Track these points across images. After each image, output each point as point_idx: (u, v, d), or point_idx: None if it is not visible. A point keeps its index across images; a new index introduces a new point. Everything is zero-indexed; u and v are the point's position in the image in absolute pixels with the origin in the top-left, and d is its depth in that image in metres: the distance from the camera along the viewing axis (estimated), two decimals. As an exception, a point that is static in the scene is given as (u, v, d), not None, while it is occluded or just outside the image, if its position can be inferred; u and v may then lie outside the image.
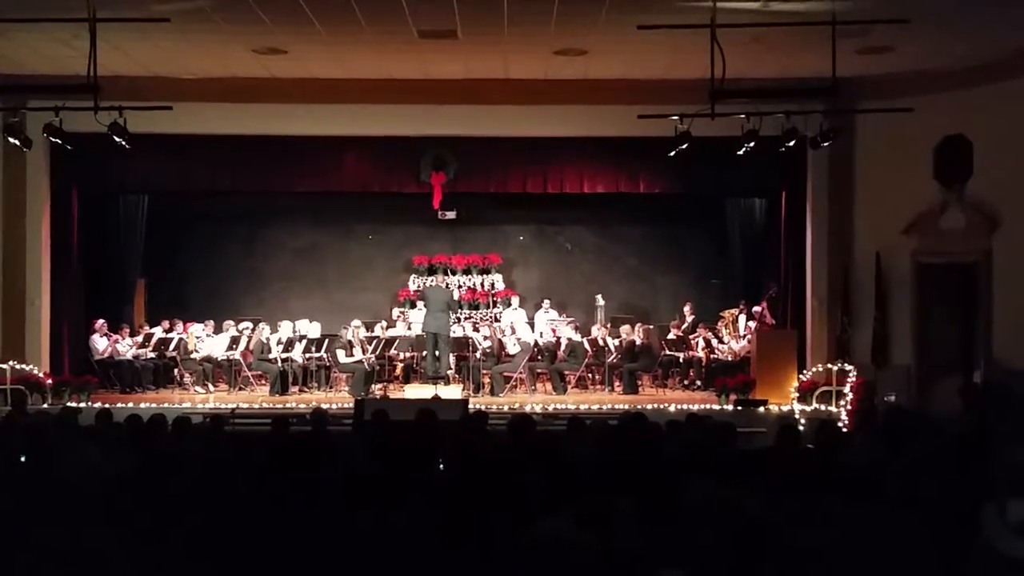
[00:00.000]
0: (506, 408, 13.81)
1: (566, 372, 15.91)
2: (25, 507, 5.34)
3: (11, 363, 14.56)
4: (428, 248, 18.71)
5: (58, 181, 15.61)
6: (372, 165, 16.34)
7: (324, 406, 12.75)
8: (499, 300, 18.11)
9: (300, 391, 16.00)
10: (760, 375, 14.88)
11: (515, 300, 17.79)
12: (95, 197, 16.64)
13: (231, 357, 15.97)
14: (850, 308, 15.12)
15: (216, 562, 4.57)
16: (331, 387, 16.08)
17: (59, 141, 12.21)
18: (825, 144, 12.77)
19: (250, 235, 19.10)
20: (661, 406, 14.18)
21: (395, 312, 17.50)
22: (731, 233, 18.08)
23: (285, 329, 16.28)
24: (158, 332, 16.44)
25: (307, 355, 16.02)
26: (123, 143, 11.84)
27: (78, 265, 16.13)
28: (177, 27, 11.46)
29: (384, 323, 17.00)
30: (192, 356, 16.16)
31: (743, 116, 11.81)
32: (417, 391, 15.00)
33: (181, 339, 16.29)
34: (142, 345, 16.20)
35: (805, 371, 14.97)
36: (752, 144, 12.06)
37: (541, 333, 16.74)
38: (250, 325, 16.51)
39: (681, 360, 16.47)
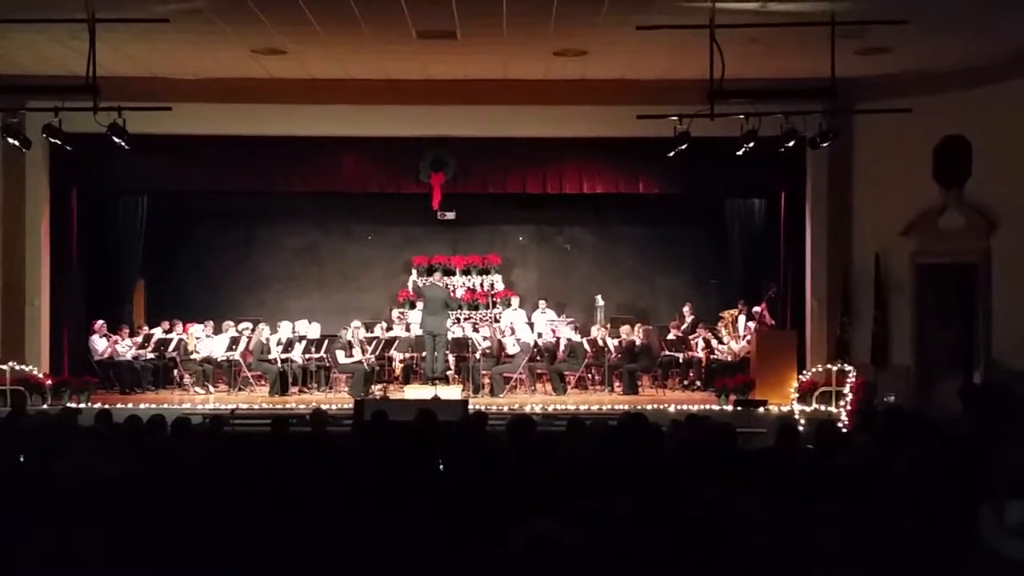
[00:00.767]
0: (506, 409, 13.81)
1: (566, 372, 15.91)
2: (25, 508, 5.34)
3: (11, 364, 14.55)
4: (427, 249, 18.71)
5: (57, 182, 15.60)
6: (371, 165, 16.33)
7: (324, 407, 12.77)
8: (498, 301, 18.11)
9: (300, 392, 16.00)
10: (760, 375, 14.88)
11: (515, 300, 17.79)
12: (94, 197, 16.63)
13: (231, 358, 15.97)
14: (849, 309, 15.12)
15: (216, 563, 4.57)
16: (331, 388, 16.08)
17: (58, 142, 12.19)
18: (824, 144, 12.77)
19: (249, 236, 19.10)
20: (661, 406, 14.17)
21: (395, 313, 17.50)
22: (730, 233, 18.08)
23: (285, 330, 16.28)
24: (158, 333, 16.44)
25: (307, 356, 16.01)
26: (122, 144, 11.83)
27: (77, 265, 16.12)
28: (176, 28, 11.46)
29: (384, 324, 17.00)
30: (192, 357, 16.16)
31: (742, 116, 11.81)
32: (417, 392, 14.99)
33: (181, 340, 16.29)
34: (142, 346, 16.19)
35: (805, 372, 14.97)
36: (751, 144, 12.06)
37: (540, 334, 16.74)
38: (250, 326, 16.50)
39: (681, 360, 16.47)
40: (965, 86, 13.93)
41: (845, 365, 14.48)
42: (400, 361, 16.58)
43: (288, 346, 15.95)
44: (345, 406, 13.99)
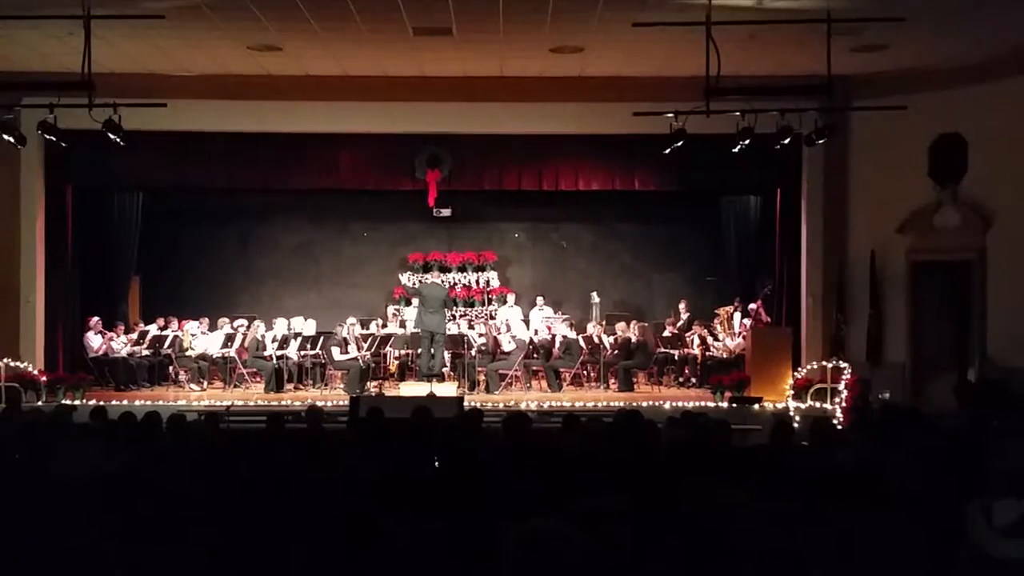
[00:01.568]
0: (501, 406, 13.80)
1: (561, 369, 15.92)
2: (19, 505, 5.33)
3: (5, 360, 14.54)
4: (423, 245, 18.70)
5: (52, 178, 15.58)
6: (367, 162, 16.32)
7: (319, 403, 12.81)
8: (494, 297, 18.11)
9: (295, 388, 16.00)
10: (755, 372, 14.91)
11: (510, 297, 17.79)
12: (90, 194, 16.61)
13: (226, 354, 15.96)
14: (845, 306, 15.14)
15: (211, 559, 4.57)
16: (326, 384, 16.07)
17: (53, 138, 12.17)
18: (820, 142, 12.77)
19: (245, 232, 19.08)
20: (656, 403, 14.19)
21: (390, 310, 17.48)
22: (726, 231, 18.08)
23: (280, 326, 16.26)
24: (153, 329, 16.43)
25: (302, 352, 16.01)
26: (118, 140, 11.81)
27: (73, 262, 16.09)
28: (172, 24, 11.45)
29: (379, 320, 17.00)
30: (187, 353, 16.15)
31: (738, 113, 11.81)
32: (412, 389, 14.99)
33: (176, 336, 16.28)
34: (137, 342, 16.18)
35: (800, 368, 14.99)
36: (747, 142, 12.05)
37: (536, 331, 16.75)
38: (245, 322, 16.50)
39: (676, 357, 16.48)
40: (961, 84, 13.95)
41: (840, 362, 14.51)
42: (395, 358, 16.58)
43: (283, 343, 15.94)
44: (340, 403, 14.00)
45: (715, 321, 16.79)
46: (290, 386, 15.97)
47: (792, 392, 14.61)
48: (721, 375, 15.18)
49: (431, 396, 13.59)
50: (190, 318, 16.76)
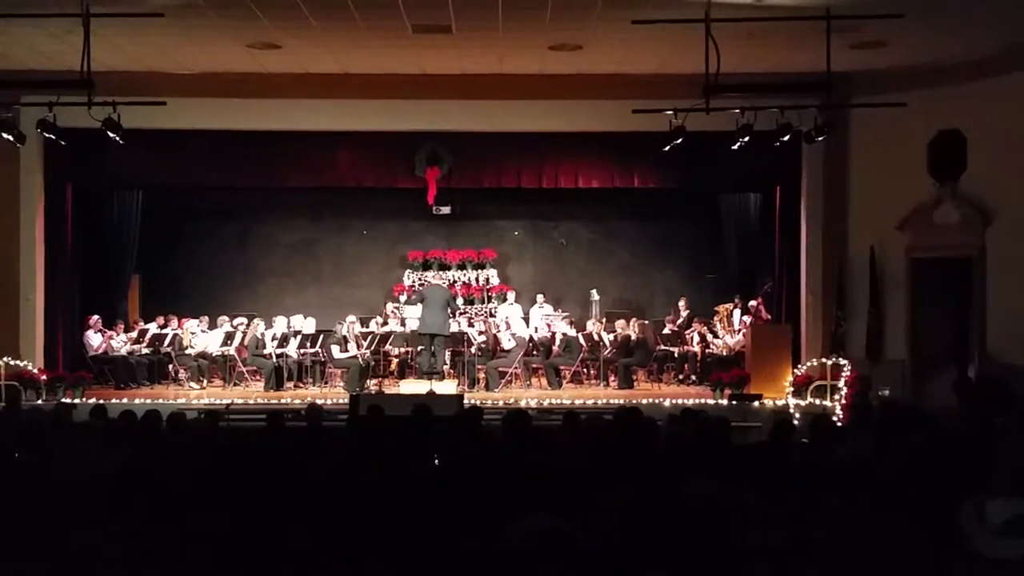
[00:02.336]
0: (501, 403, 13.81)
1: (561, 367, 15.92)
2: (19, 503, 5.33)
3: (5, 359, 14.55)
4: (423, 243, 18.70)
5: (52, 177, 15.56)
6: (367, 160, 16.31)
7: (319, 402, 12.82)
8: (494, 295, 18.11)
9: (295, 387, 16.00)
10: (755, 370, 14.91)
11: (510, 295, 17.78)
12: (89, 192, 16.60)
13: (226, 353, 15.96)
14: (844, 303, 15.14)
15: (211, 557, 4.57)
16: (326, 382, 16.08)
17: (53, 137, 12.16)
18: (819, 139, 12.78)
19: (244, 230, 19.08)
20: (656, 401, 14.21)
21: (388, 307, 17.46)
22: (726, 228, 18.08)
23: (280, 325, 16.27)
24: (152, 328, 16.43)
25: (302, 351, 16.01)
26: (117, 138, 11.81)
27: (72, 261, 16.07)
28: (171, 22, 11.43)
29: (379, 318, 17.00)
30: (187, 352, 16.15)
31: (737, 111, 11.82)
32: (412, 386, 15.00)
33: (176, 335, 16.28)
34: (136, 341, 16.18)
35: (800, 366, 15.00)
36: (746, 139, 12.06)
37: (536, 328, 16.76)
38: (245, 320, 16.49)
39: (676, 355, 16.49)
40: (960, 80, 13.94)
41: (840, 359, 14.51)
42: (395, 356, 16.58)
43: (283, 341, 15.95)
44: (340, 401, 14.02)
45: (715, 318, 16.79)
46: (290, 384, 15.97)
47: (792, 389, 14.61)
48: (721, 372, 15.18)
49: (431, 394, 13.60)
50: (190, 316, 16.77)
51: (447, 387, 14.91)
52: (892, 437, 6.73)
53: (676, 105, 11.76)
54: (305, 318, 16.73)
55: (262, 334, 15.94)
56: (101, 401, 12.69)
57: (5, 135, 12.34)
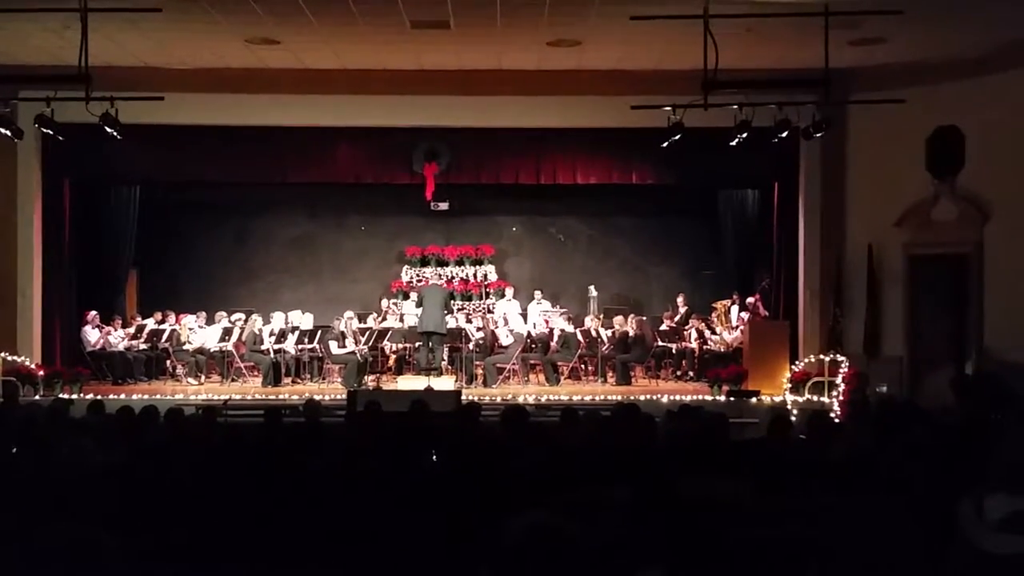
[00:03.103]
0: (499, 399, 13.81)
1: (559, 363, 15.92)
2: (17, 499, 5.33)
3: (3, 354, 14.51)
4: (421, 239, 18.70)
5: (49, 172, 15.55)
6: (365, 156, 16.30)
7: (317, 397, 12.80)
8: (492, 291, 18.12)
9: (293, 382, 16.00)
10: (752, 366, 14.91)
11: (508, 291, 17.78)
12: (87, 188, 16.59)
13: (224, 348, 15.96)
14: (842, 299, 15.16)
15: (209, 553, 4.57)
16: (324, 378, 16.08)
17: (50, 132, 12.15)
18: (817, 135, 12.80)
19: (242, 226, 19.07)
20: (654, 397, 14.20)
21: (383, 303, 17.45)
22: (724, 224, 18.09)
23: (278, 320, 16.27)
24: (150, 323, 16.42)
25: (300, 346, 16.01)
26: (115, 134, 11.81)
27: (70, 256, 16.06)
28: (169, 17, 11.42)
29: (376, 315, 17.00)
30: (184, 347, 16.14)
31: (736, 107, 11.82)
32: (410, 382, 15.00)
33: (173, 330, 16.27)
34: (134, 336, 16.16)
35: (797, 362, 15.00)
36: (745, 135, 12.07)
37: (534, 324, 16.76)
38: (243, 316, 16.49)
39: (674, 351, 16.49)
40: (959, 77, 13.95)
41: (838, 356, 14.51)
42: (393, 352, 16.58)
43: (281, 337, 15.94)
44: (338, 397, 14.01)
45: (712, 315, 16.79)
46: (288, 380, 15.96)
47: (789, 386, 14.61)
48: (719, 369, 15.19)
49: (429, 390, 13.59)
50: (187, 312, 16.76)
51: (445, 383, 14.92)
52: (889, 433, 6.72)
53: (675, 101, 11.76)
54: (303, 314, 16.74)
55: (260, 330, 15.94)
56: (99, 397, 12.65)
57: (2, 130, 12.32)
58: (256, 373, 15.96)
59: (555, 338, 16.14)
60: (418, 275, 18.05)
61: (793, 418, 11.14)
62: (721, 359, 15.76)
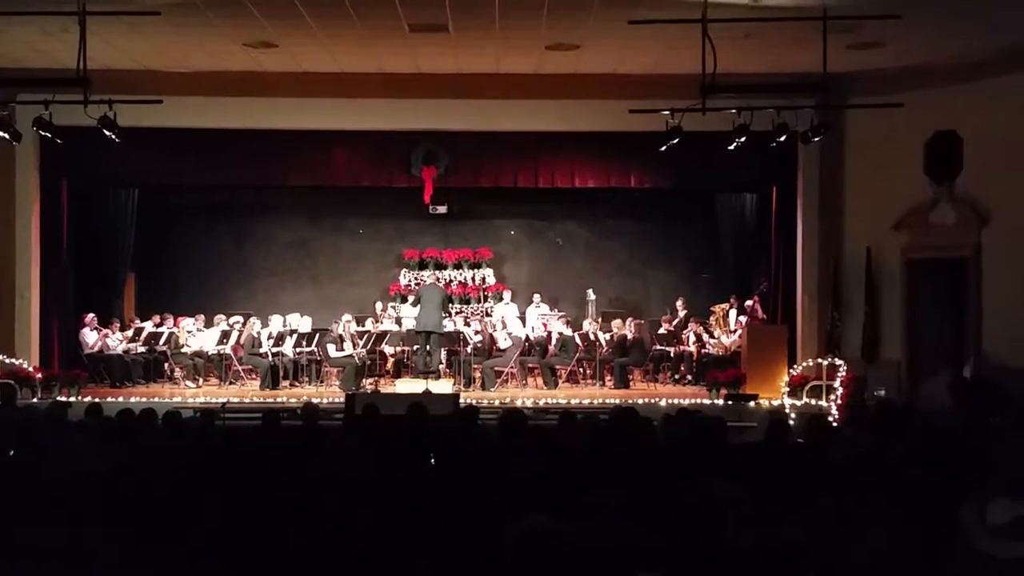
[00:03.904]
0: (497, 403, 13.80)
1: (557, 366, 15.92)
2: (14, 502, 5.32)
3: (0, 357, 14.51)
4: (419, 242, 18.70)
5: (48, 175, 15.54)
6: (363, 159, 16.30)
7: (315, 400, 12.79)
8: (490, 295, 18.12)
9: (291, 385, 15.98)
10: (751, 370, 14.91)
11: (506, 294, 17.78)
12: (85, 191, 16.57)
13: (222, 351, 15.95)
14: (840, 303, 15.17)
15: (206, 556, 4.56)
16: (322, 381, 16.06)
17: (49, 135, 12.15)
18: (816, 139, 12.81)
19: (241, 229, 19.07)
20: (652, 401, 14.20)
21: (378, 306, 17.43)
22: (722, 228, 18.10)
23: (276, 323, 16.26)
24: (148, 326, 16.40)
25: (298, 349, 16.00)
26: (113, 137, 11.81)
27: (68, 259, 16.06)
28: (167, 20, 11.42)
29: (373, 319, 16.99)
30: (182, 350, 16.12)
31: (734, 111, 11.83)
32: (408, 386, 14.99)
33: (171, 333, 16.25)
34: (132, 339, 16.15)
35: (795, 366, 15.00)
36: (743, 139, 12.08)
37: (532, 327, 16.75)
38: (241, 319, 16.48)
39: (672, 355, 16.49)
40: (957, 81, 13.96)
41: (836, 359, 14.52)
42: (391, 355, 16.57)
43: (279, 340, 15.94)
44: (336, 400, 14.00)
45: (711, 318, 16.79)
46: (286, 383, 15.94)
47: (788, 389, 14.62)
48: (717, 372, 15.18)
49: (427, 393, 13.58)
50: (186, 315, 16.74)
51: (443, 386, 14.91)
52: (887, 437, 6.73)
53: (673, 105, 11.78)
54: (301, 317, 16.73)
55: (258, 333, 15.93)
56: (96, 399, 12.65)
57: (1, 133, 12.32)
58: (254, 376, 15.95)
59: (553, 341, 16.13)
60: (416, 278, 18.05)
61: (791, 422, 11.13)
62: (719, 363, 15.75)
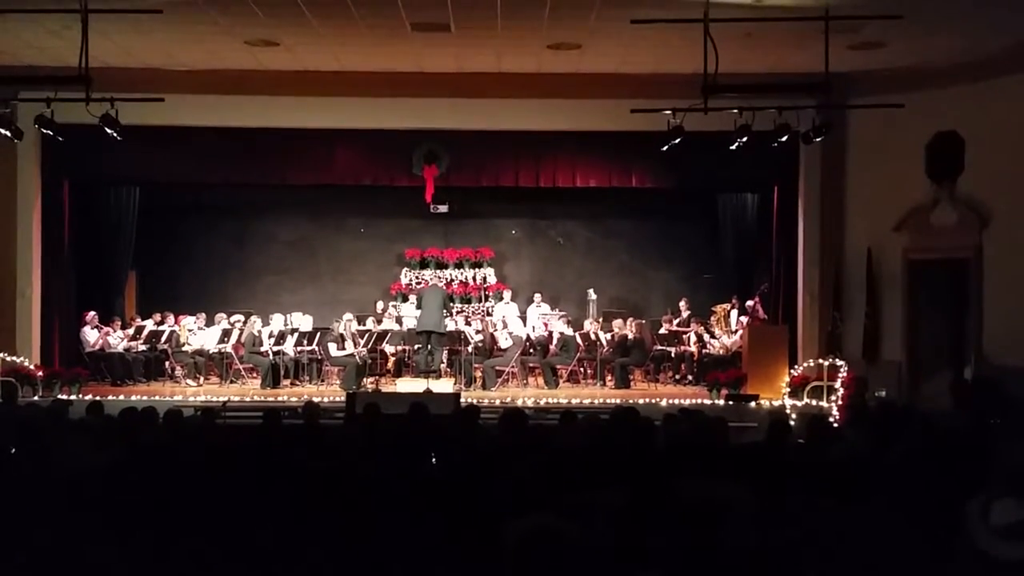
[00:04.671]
0: (498, 402, 13.80)
1: (558, 366, 15.92)
2: (15, 500, 5.32)
3: (2, 355, 14.51)
4: (420, 242, 18.71)
5: (49, 172, 15.54)
6: (364, 158, 16.30)
7: (316, 399, 12.79)
8: (491, 294, 18.12)
9: (292, 384, 15.99)
10: (751, 370, 14.91)
11: (507, 294, 17.79)
12: (86, 188, 16.58)
13: (223, 350, 15.95)
14: (841, 304, 15.16)
15: (208, 555, 4.57)
16: (323, 380, 16.07)
17: (50, 132, 12.16)
18: (817, 139, 12.80)
19: (242, 228, 19.07)
20: (653, 401, 14.20)
21: (379, 305, 17.44)
22: (723, 228, 18.10)
23: (277, 322, 16.26)
24: (149, 324, 16.40)
25: (299, 348, 16.00)
26: (114, 134, 11.81)
27: (69, 257, 16.06)
28: (169, 18, 11.43)
29: (374, 318, 16.99)
30: (183, 349, 16.13)
31: (735, 111, 11.83)
32: (409, 385, 15.00)
33: (172, 332, 16.26)
34: (133, 337, 16.15)
35: (796, 366, 15.00)
36: (744, 139, 12.08)
37: (533, 327, 16.75)
38: (242, 318, 16.48)
39: (673, 355, 16.49)
40: (958, 82, 13.95)
41: (837, 360, 14.51)
42: (392, 354, 16.58)
43: (280, 339, 15.94)
44: (337, 399, 14.00)
45: (712, 319, 16.78)
46: (286, 382, 15.95)
47: (788, 390, 14.61)
48: (718, 372, 15.17)
49: (428, 392, 13.58)
50: (187, 313, 16.75)
51: (444, 386, 14.91)
52: (888, 438, 6.73)
53: (674, 105, 11.78)
54: (302, 316, 16.73)
55: (259, 331, 15.93)
56: (97, 398, 12.65)
57: (2, 131, 12.33)
58: (255, 375, 15.95)
59: (554, 341, 16.14)
60: (417, 277, 18.06)
61: (792, 422, 11.13)
62: (720, 363, 15.74)
